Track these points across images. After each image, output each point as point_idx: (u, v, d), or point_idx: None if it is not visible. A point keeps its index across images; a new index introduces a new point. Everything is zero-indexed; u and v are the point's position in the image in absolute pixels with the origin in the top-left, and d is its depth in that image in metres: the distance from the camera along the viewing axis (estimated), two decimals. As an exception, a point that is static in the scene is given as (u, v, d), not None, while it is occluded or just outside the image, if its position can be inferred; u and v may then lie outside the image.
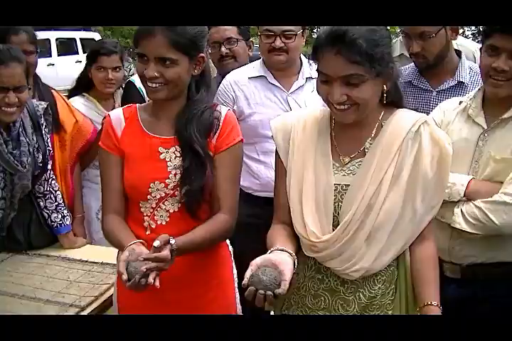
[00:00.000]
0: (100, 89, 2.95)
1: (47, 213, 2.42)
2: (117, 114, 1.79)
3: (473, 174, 1.88)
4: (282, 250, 1.46)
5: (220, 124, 1.73)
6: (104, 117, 2.71)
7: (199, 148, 1.68)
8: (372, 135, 1.57)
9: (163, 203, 1.73)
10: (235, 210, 1.77)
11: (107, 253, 2.34)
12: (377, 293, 1.60)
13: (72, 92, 3.10)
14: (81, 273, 2.18)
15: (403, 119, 1.56)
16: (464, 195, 1.82)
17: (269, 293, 1.32)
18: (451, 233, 1.89)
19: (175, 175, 1.71)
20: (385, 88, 1.52)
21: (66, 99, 2.87)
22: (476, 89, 2.01)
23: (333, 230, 1.55)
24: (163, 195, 1.72)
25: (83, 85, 3.05)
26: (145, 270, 1.47)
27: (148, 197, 1.73)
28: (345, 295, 1.60)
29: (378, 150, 1.54)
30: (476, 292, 1.92)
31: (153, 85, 1.65)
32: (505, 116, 1.85)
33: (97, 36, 14.53)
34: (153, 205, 1.74)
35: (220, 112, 1.75)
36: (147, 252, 1.54)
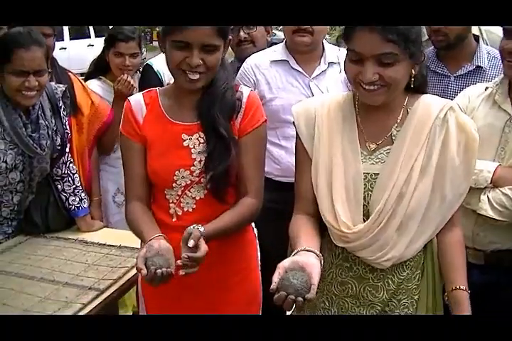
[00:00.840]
0: (117, 74, 2.92)
1: (65, 196, 2.41)
2: (137, 100, 1.76)
3: (499, 161, 1.85)
4: (309, 250, 1.41)
5: (243, 106, 1.70)
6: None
7: (223, 131, 1.65)
8: (398, 121, 1.54)
9: (189, 190, 1.72)
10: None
11: (125, 237, 2.32)
12: (405, 277, 1.59)
13: (89, 75, 3.08)
14: (99, 256, 2.17)
15: (429, 105, 1.54)
16: (491, 182, 1.80)
17: (300, 299, 1.28)
18: (476, 219, 1.87)
19: (200, 161, 1.68)
20: (413, 72, 1.49)
21: (83, 82, 2.85)
22: (501, 75, 1.98)
23: (364, 220, 1.53)
24: (189, 182, 1.70)
25: (100, 68, 3.03)
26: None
27: (174, 184, 1.71)
28: (374, 282, 1.59)
29: (407, 137, 1.51)
30: (499, 278, 1.91)
31: (195, 77, 1.61)
32: None
33: (110, 20, 14.50)
34: (179, 193, 1.72)
35: (242, 93, 1.72)
36: (166, 246, 1.54)
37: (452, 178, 1.52)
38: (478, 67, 2.28)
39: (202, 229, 1.55)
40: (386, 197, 1.49)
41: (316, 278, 1.33)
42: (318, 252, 1.42)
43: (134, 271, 2.03)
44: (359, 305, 1.61)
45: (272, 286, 1.31)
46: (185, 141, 1.69)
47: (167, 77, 2.85)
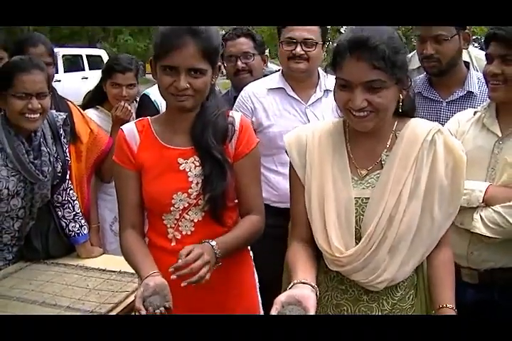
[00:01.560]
0: (114, 104, 2.97)
1: (65, 222, 2.45)
2: (130, 128, 1.79)
3: (490, 181, 1.91)
4: (304, 283, 1.44)
5: (236, 130, 1.75)
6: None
7: (217, 154, 1.70)
8: (388, 146, 1.59)
9: (187, 213, 1.74)
10: (263, 210, 1.81)
11: (124, 262, 2.34)
12: (399, 298, 1.62)
13: (86, 105, 3.14)
14: (100, 281, 2.19)
15: (417, 129, 1.58)
16: (483, 201, 1.85)
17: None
18: (470, 239, 1.92)
19: (196, 184, 1.71)
20: (401, 97, 1.54)
21: (81, 110, 2.91)
22: (487, 98, 2.07)
23: (356, 243, 1.56)
24: (187, 205, 1.73)
25: (97, 98, 3.09)
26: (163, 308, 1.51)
27: (172, 208, 1.73)
28: (369, 303, 1.62)
29: (395, 161, 1.55)
30: (493, 297, 1.94)
31: (183, 98, 1.66)
32: None
33: (103, 53, 14.71)
34: (177, 216, 1.74)
35: (234, 118, 1.77)
36: (161, 283, 1.56)
37: (441, 200, 1.56)
38: (469, 93, 2.35)
39: (213, 243, 1.60)
40: (377, 221, 1.53)
41: (311, 311, 1.35)
42: (313, 284, 1.45)
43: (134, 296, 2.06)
44: None
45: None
46: (181, 164, 1.73)
47: (164, 107, 2.91)
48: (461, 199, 1.63)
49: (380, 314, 1.61)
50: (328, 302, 1.66)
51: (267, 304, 1.92)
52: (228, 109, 1.86)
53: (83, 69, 13.43)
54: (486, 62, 1.98)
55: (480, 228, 1.84)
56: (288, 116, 2.52)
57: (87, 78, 13.05)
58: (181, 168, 1.73)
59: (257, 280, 1.96)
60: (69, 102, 2.88)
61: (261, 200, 1.82)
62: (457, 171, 1.57)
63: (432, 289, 1.59)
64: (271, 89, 2.58)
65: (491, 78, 1.91)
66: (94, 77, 13.44)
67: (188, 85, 1.63)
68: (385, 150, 1.59)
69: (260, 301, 1.94)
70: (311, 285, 1.44)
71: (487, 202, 1.86)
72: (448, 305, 1.52)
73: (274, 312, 1.35)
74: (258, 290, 1.95)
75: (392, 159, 1.56)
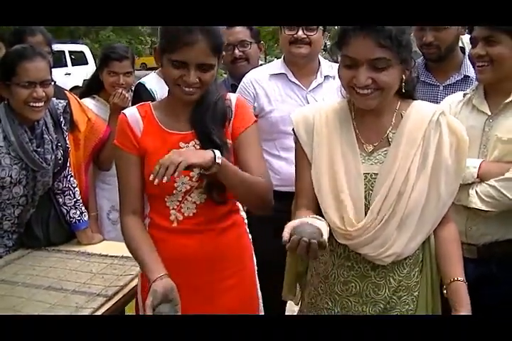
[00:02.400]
0: (111, 93, 2.98)
1: (66, 209, 2.46)
2: (133, 113, 1.80)
3: (483, 157, 1.98)
4: (316, 218, 1.49)
5: (233, 111, 1.79)
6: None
7: (216, 139, 1.72)
8: (393, 124, 1.64)
9: (190, 195, 1.77)
10: (269, 177, 1.81)
11: (125, 248, 2.36)
12: (405, 275, 1.67)
13: (83, 94, 3.15)
14: (103, 266, 2.21)
15: (422, 110, 1.64)
16: (477, 177, 1.92)
17: (313, 240, 1.34)
18: (468, 215, 1.98)
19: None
20: (404, 77, 1.57)
21: (78, 99, 2.92)
22: None
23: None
24: (189, 187, 1.76)
25: (94, 87, 3.10)
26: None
27: (174, 191, 1.76)
28: (376, 279, 1.66)
29: (403, 139, 1.60)
30: (492, 270, 2.00)
31: (191, 90, 1.68)
32: (507, 101, 1.97)
33: (85, 49, 14.60)
34: (180, 198, 1.77)
35: (231, 100, 1.80)
36: (170, 286, 1.62)
37: (446, 177, 1.62)
38: (466, 77, 2.41)
39: (219, 159, 1.59)
40: (385, 195, 1.57)
41: (325, 233, 1.39)
42: (322, 219, 1.49)
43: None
44: (362, 304, 1.67)
45: (284, 238, 1.37)
46: (182, 148, 1.75)
47: (159, 95, 2.93)
48: (461, 176, 1.69)
49: (387, 291, 1.66)
50: (336, 280, 1.69)
51: (266, 288, 1.98)
52: (226, 92, 1.88)
53: (66, 65, 13.31)
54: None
55: (476, 202, 1.90)
56: (289, 101, 2.56)
57: (69, 74, 12.96)
58: None
59: (255, 262, 1.98)
60: (66, 91, 2.88)
61: (266, 169, 1.82)
62: (460, 151, 1.64)
63: (442, 264, 1.65)
64: (273, 74, 2.61)
65: (476, 60, 1.97)
66: (77, 72, 13.47)
67: (197, 80, 1.66)
68: (391, 128, 1.64)
69: (257, 285, 1.97)
70: (320, 219, 1.48)
71: (481, 178, 1.92)
72: (459, 278, 1.59)
73: (286, 232, 1.38)
74: (256, 273, 1.98)
75: (399, 137, 1.61)
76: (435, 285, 1.69)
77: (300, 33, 2.49)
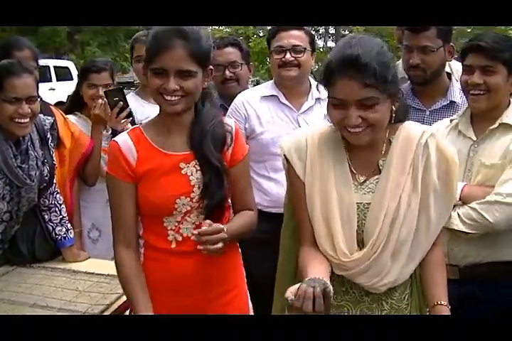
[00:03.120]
0: (90, 105, 2.95)
1: (51, 226, 2.45)
2: (124, 140, 1.76)
3: (467, 181, 2.04)
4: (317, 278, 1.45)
5: (233, 137, 1.80)
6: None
7: (217, 163, 1.73)
8: (383, 152, 1.63)
9: (189, 216, 1.76)
10: (256, 207, 1.91)
11: (111, 266, 2.35)
12: (397, 298, 1.69)
13: (65, 111, 3.14)
14: (89, 283, 2.20)
15: (409, 133, 1.63)
16: (460, 199, 1.96)
17: (318, 288, 1.34)
18: (450, 236, 2.02)
19: (198, 187, 1.74)
20: (394, 108, 1.57)
21: (63, 115, 2.90)
22: (465, 107, 2.19)
23: (359, 248, 1.61)
24: (189, 208, 1.75)
25: (75, 105, 3.08)
26: None
27: (174, 212, 1.74)
28: (370, 304, 1.68)
29: (392, 167, 1.60)
30: (474, 291, 2.04)
31: (173, 98, 1.67)
32: (492, 127, 2.04)
33: (70, 64, 14.59)
34: (178, 219, 1.76)
35: (231, 126, 1.81)
36: None
37: (435, 201, 1.61)
38: (452, 102, 2.46)
39: (225, 228, 1.64)
40: (380, 226, 1.57)
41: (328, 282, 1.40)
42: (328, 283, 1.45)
43: (125, 297, 2.07)
44: None
45: (289, 297, 1.35)
46: (183, 169, 1.74)
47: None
48: (453, 200, 1.69)
49: (379, 314, 1.67)
50: None
51: (257, 308, 1.99)
52: (223, 116, 1.90)
53: (50, 81, 13.29)
54: (462, 73, 2.10)
55: (458, 224, 1.95)
56: (280, 123, 2.59)
57: (54, 89, 12.91)
58: (183, 172, 1.74)
59: (245, 279, 1.99)
60: (52, 107, 2.88)
61: (253, 199, 1.91)
62: (450, 173, 1.63)
63: (426, 288, 1.67)
64: (264, 96, 2.65)
65: (472, 88, 2.03)
66: (62, 88, 13.43)
67: (177, 87, 1.65)
68: (381, 156, 1.64)
69: (248, 297, 1.98)
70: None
71: (463, 200, 1.97)
72: (442, 303, 1.60)
73: (288, 293, 1.36)
74: (246, 287, 1.99)
75: (388, 164, 1.61)
76: (423, 306, 1.73)
77: (288, 55, 2.54)
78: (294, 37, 2.54)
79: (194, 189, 1.74)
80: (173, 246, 1.77)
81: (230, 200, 1.86)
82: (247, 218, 1.85)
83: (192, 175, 1.75)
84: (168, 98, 1.68)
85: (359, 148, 1.62)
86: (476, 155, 2.05)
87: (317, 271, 1.51)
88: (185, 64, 1.65)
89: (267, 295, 1.90)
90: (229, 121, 1.86)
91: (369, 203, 1.60)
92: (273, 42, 2.61)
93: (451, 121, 2.18)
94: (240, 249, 1.99)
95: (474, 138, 2.07)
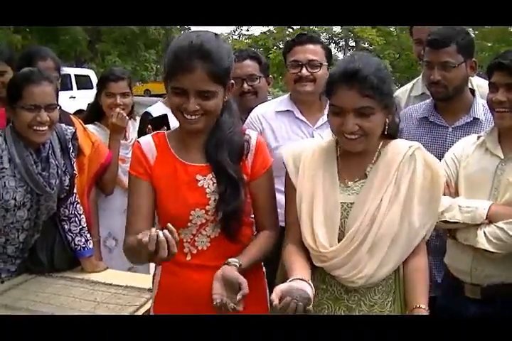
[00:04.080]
0: (108, 114, 2.98)
1: (71, 236, 2.45)
2: (147, 141, 1.81)
3: (493, 200, 2.00)
4: (302, 279, 1.58)
5: (253, 148, 1.78)
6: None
7: (232, 173, 1.71)
8: (373, 162, 1.76)
9: (204, 229, 1.75)
10: (277, 225, 1.86)
11: (130, 278, 2.40)
12: (377, 302, 1.74)
13: (84, 121, 3.16)
14: (107, 294, 2.20)
15: (398, 146, 1.77)
16: (486, 218, 1.93)
17: (300, 304, 1.45)
18: (473, 255, 1.99)
19: (214, 200, 1.73)
20: (387, 120, 1.71)
21: (83, 124, 2.93)
22: (492, 125, 2.16)
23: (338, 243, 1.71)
24: (204, 221, 1.74)
25: (95, 114, 3.12)
26: None
27: (189, 224, 1.74)
28: (349, 302, 1.74)
29: (378, 172, 1.73)
30: (496, 311, 1.99)
31: (193, 117, 1.67)
32: None
33: (91, 73, 14.74)
34: (194, 232, 1.76)
35: (250, 136, 1.80)
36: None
37: (419, 208, 1.71)
38: (475, 119, 2.41)
39: (238, 263, 1.63)
40: (360, 222, 1.69)
41: (311, 296, 1.51)
42: (308, 280, 1.59)
43: (143, 310, 2.08)
44: None
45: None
46: (199, 181, 1.74)
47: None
48: (437, 210, 1.78)
49: (358, 314, 1.73)
50: None
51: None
52: (243, 127, 1.89)
53: (71, 89, 13.44)
54: (488, 91, 2.07)
55: (484, 243, 1.91)
56: (295, 139, 2.57)
57: (74, 97, 13.05)
58: (199, 184, 1.74)
59: (267, 294, 1.94)
60: (71, 116, 2.91)
61: (276, 216, 1.87)
62: (435, 185, 1.73)
63: (407, 292, 1.73)
64: (279, 111, 2.63)
65: (497, 106, 2.01)
66: (82, 96, 13.55)
67: (197, 107, 1.65)
68: (370, 164, 1.77)
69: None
70: (308, 282, 1.58)
71: (490, 219, 1.94)
72: (421, 306, 1.65)
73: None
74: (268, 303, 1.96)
75: (375, 170, 1.74)
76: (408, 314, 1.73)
77: (304, 70, 2.52)
78: (310, 51, 2.53)
79: (210, 202, 1.73)
80: (189, 258, 1.78)
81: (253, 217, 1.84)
82: (263, 243, 1.80)
83: (208, 187, 1.74)
84: (188, 117, 1.68)
85: (351, 157, 1.77)
86: (503, 173, 2.01)
87: (300, 265, 1.68)
88: (205, 85, 1.64)
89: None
90: (251, 132, 1.85)
91: (352, 203, 1.72)
92: (288, 57, 2.59)
93: (478, 138, 2.15)
94: (264, 268, 1.96)
95: (502, 157, 2.04)
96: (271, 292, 1.74)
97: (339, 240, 1.70)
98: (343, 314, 1.73)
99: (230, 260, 1.65)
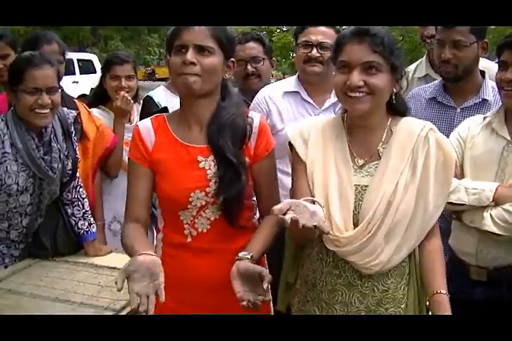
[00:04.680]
0: (113, 97, 2.97)
1: (74, 220, 2.44)
2: (146, 125, 1.80)
3: (500, 182, 1.98)
4: (314, 200, 1.51)
5: (255, 131, 1.76)
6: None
7: (232, 158, 1.70)
8: (383, 139, 1.71)
9: (204, 211, 1.75)
10: None
11: (133, 261, 2.37)
12: (390, 286, 1.71)
13: (89, 105, 3.15)
14: (111, 278, 2.19)
15: (411, 125, 1.71)
16: (493, 200, 1.91)
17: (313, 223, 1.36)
18: (479, 237, 1.98)
19: (215, 182, 1.72)
20: (395, 90, 1.67)
21: (87, 108, 2.92)
22: (499, 105, 2.12)
23: (354, 227, 1.66)
24: (204, 203, 1.74)
25: (99, 98, 3.11)
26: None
27: (189, 206, 1.74)
28: (363, 288, 1.71)
29: (392, 153, 1.68)
30: (502, 294, 1.99)
31: (190, 76, 1.66)
32: None
33: (94, 57, 14.67)
34: (194, 213, 1.75)
35: (253, 119, 1.78)
36: (152, 260, 1.51)
37: (433, 190, 1.67)
38: (484, 100, 2.39)
39: (249, 256, 1.61)
40: (375, 207, 1.64)
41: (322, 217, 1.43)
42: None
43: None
44: (347, 312, 1.71)
45: (275, 209, 1.40)
46: (201, 162, 1.73)
47: (168, 108, 2.94)
48: (447, 192, 1.73)
49: (371, 300, 1.70)
50: (323, 288, 1.74)
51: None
52: (247, 110, 1.87)
53: (74, 74, 13.36)
54: (498, 69, 2.03)
55: (490, 226, 1.90)
56: (302, 120, 2.54)
57: (77, 82, 13.01)
58: (201, 165, 1.74)
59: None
60: (76, 100, 2.88)
61: (279, 200, 1.83)
62: (447, 167, 1.69)
63: (424, 276, 1.70)
64: (286, 92, 2.61)
65: (506, 85, 1.97)
66: (85, 81, 13.54)
67: (195, 60, 1.66)
68: (381, 143, 1.71)
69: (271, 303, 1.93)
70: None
71: (497, 201, 1.92)
72: (441, 291, 1.62)
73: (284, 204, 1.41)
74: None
75: (388, 151, 1.69)
76: (421, 297, 1.73)
77: (314, 51, 2.50)
78: (322, 33, 2.50)
79: (210, 183, 1.72)
80: (189, 240, 1.78)
81: (255, 199, 1.82)
82: (268, 230, 1.76)
83: (210, 169, 1.74)
84: (187, 71, 1.66)
85: (360, 134, 1.71)
86: (510, 155, 1.99)
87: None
88: (204, 39, 1.68)
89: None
90: (254, 114, 1.83)
91: (367, 186, 1.67)
92: (300, 37, 2.57)
93: (484, 118, 2.11)
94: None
95: (508, 138, 2.01)
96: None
97: (354, 223, 1.66)
98: (356, 301, 1.70)
99: (240, 254, 1.62)
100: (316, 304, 1.75)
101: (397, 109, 1.72)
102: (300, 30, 2.58)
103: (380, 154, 1.69)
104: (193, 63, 1.66)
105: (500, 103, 2.15)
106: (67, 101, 2.80)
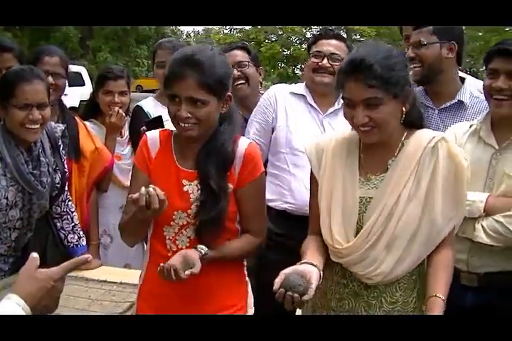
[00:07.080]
0: (106, 113, 2.97)
1: (63, 234, 2.44)
2: (154, 135, 1.88)
3: (489, 191, 1.99)
4: (310, 263, 1.62)
5: (241, 157, 1.79)
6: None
7: (215, 186, 1.74)
8: (395, 154, 1.72)
9: (185, 230, 1.80)
10: (263, 233, 1.89)
11: (124, 274, 2.38)
12: (398, 299, 1.71)
13: (81, 118, 3.14)
14: (101, 292, 2.20)
15: (421, 138, 1.71)
16: (484, 211, 1.92)
17: (296, 295, 1.48)
18: (470, 246, 1.99)
19: (196, 205, 1.77)
20: (404, 109, 1.67)
21: (87, 126, 2.91)
22: (483, 113, 2.14)
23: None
24: (186, 222, 1.79)
25: (91, 111, 3.10)
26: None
27: (172, 223, 1.80)
28: (369, 299, 1.72)
29: (399, 166, 1.69)
30: (492, 300, 2.00)
31: (186, 125, 1.72)
32: None
33: (82, 70, 14.65)
34: (176, 231, 1.81)
35: (238, 144, 1.80)
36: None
37: (443, 203, 1.66)
38: (460, 102, 2.41)
39: (203, 252, 1.71)
40: (376, 218, 1.66)
41: (314, 282, 1.54)
42: (316, 264, 1.63)
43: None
44: None
45: (274, 287, 1.51)
46: (185, 186, 1.79)
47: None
48: (463, 205, 1.72)
49: (379, 312, 1.70)
50: (332, 296, 1.78)
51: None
52: (239, 135, 1.88)
53: (62, 86, 13.32)
54: (486, 77, 2.05)
55: (482, 237, 1.92)
56: (304, 123, 2.60)
57: (66, 95, 12.90)
58: (185, 189, 1.79)
59: (251, 299, 1.94)
60: (77, 118, 2.88)
61: (263, 225, 1.89)
62: (459, 178, 1.68)
63: (426, 283, 1.69)
64: (294, 93, 2.67)
65: (496, 93, 1.98)
66: (74, 93, 13.49)
67: (189, 114, 1.69)
68: (393, 157, 1.73)
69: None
70: (314, 265, 1.62)
71: (488, 212, 1.93)
72: (438, 295, 1.61)
73: (278, 280, 1.53)
74: (252, 309, 1.94)
75: (396, 164, 1.70)
76: None
77: (325, 61, 2.54)
78: (334, 45, 2.58)
79: (192, 206, 1.77)
80: (170, 254, 1.80)
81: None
82: (239, 244, 1.83)
83: (193, 193, 1.78)
84: (182, 124, 1.73)
85: (373, 149, 1.73)
86: (498, 163, 2.00)
87: (313, 250, 1.73)
88: (195, 93, 1.69)
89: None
90: (242, 140, 1.84)
91: (371, 197, 1.70)
92: (313, 48, 2.64)
93: (470, 126, 2.13)
94: (245, 266, 1.95)
95: (496, 146, 2.03)
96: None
97: (357, 235, 1.69)
98: (363, 310, 1.72)
99: (199, 246, 1.72)
100: (325, 311, 1.79)
101: (413, 122, 1.73)
102: (313, 42, 2.66)
103: (389, 167, 1.71)
104: (188, 118, 1.70)
105: (477, 107, 2.18)
106: (67, 117, 2.80)
